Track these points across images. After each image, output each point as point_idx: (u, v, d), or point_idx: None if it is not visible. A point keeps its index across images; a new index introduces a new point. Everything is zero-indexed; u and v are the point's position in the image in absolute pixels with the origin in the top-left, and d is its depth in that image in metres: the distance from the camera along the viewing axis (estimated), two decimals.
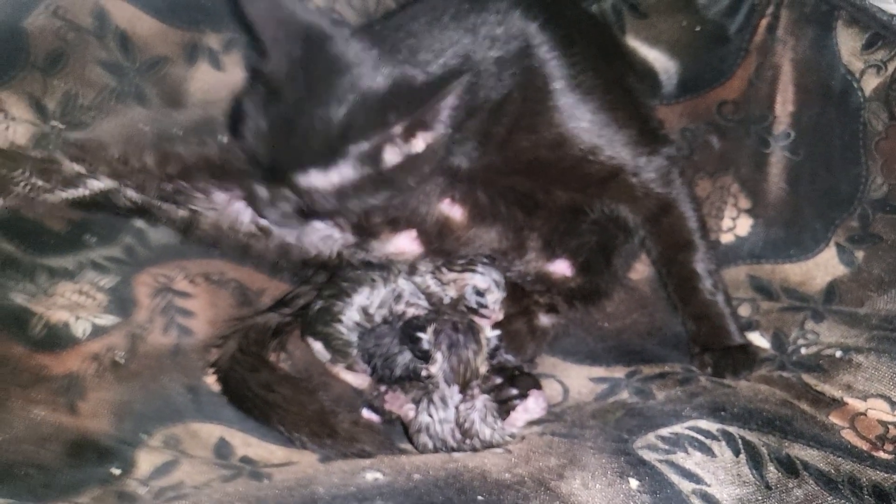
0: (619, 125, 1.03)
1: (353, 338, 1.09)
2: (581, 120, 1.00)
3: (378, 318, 1.09)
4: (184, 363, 1.07)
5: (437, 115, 0.87)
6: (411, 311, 1.09)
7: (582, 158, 1.02)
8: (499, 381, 1.05)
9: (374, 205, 0.94)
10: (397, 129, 0.87)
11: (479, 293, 1.07)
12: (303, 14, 0.91)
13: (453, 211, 1.12)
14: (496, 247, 1.15)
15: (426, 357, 0.98)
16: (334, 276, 1.13)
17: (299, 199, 0.91)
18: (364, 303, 1.10)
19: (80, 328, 1.04)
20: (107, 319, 1.06)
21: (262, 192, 0.93)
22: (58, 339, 1.01)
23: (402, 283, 1.10)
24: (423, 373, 0.98)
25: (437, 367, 0.97)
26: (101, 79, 1.11)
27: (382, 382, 1.05)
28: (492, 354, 1.03)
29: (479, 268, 1.07)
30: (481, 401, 0.98)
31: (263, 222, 1.05)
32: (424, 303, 1.10)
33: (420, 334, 0.99)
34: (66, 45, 1.09)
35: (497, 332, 1.04)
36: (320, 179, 0.88)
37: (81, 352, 1.02)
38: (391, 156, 0.89)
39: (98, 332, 1.04)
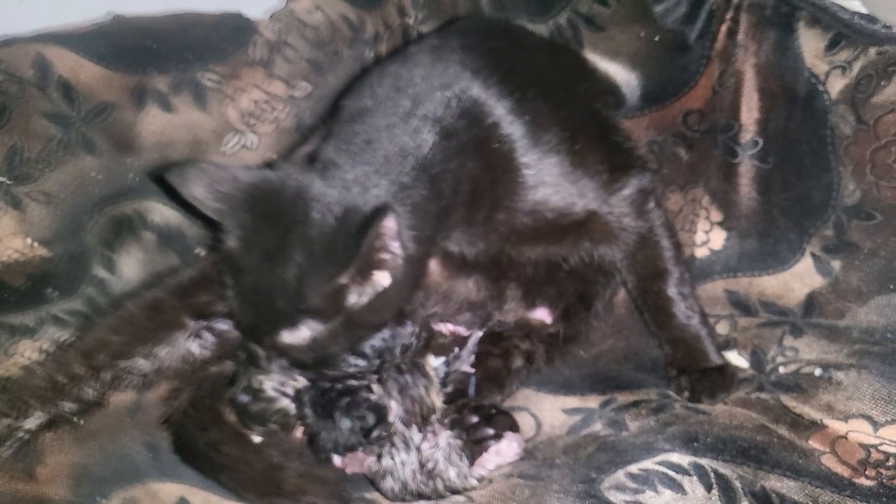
0: (590, 175, 0.99)
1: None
2: (551, 185, 0.98)
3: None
4: (144, 419, 1.04)
5: (378, 251, 0.84)
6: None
7: (557, 217, 1.00)
8: (475, 419, 1.02)
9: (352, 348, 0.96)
10: (345, 277, 0.84)
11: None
12: (243, 177, 0.89)
13: (429, 263, 1.09)
14: (474, 298, 1.13)
15: (381, 411, 0.95)
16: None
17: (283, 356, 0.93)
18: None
19: None
20: None
21: (259, 351, 0.96)
22: None
23: None
24: (377, 430, 0.95)
25: (394, 414, 0.94)
26: (47, 130, 1.09)
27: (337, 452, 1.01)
28: (444, 383, 1.01)
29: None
30: (444, 438, 0.95)
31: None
32: None
33: (368, 395, 0.96)
34: (8, 98, 1.07)
35: (442, 358, 1.02)
36: (292, 337, 0.88)
37: None
38: (355, 297, 0.87)
39: None
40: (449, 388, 1.03)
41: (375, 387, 0.96)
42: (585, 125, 1.03)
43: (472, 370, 1.06)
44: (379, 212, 0.80)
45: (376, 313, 0.90)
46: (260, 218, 0.87)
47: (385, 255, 0.85)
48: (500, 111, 0.95)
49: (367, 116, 0.95)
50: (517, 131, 0.95)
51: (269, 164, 0.95)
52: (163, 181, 0.92)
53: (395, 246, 0.85)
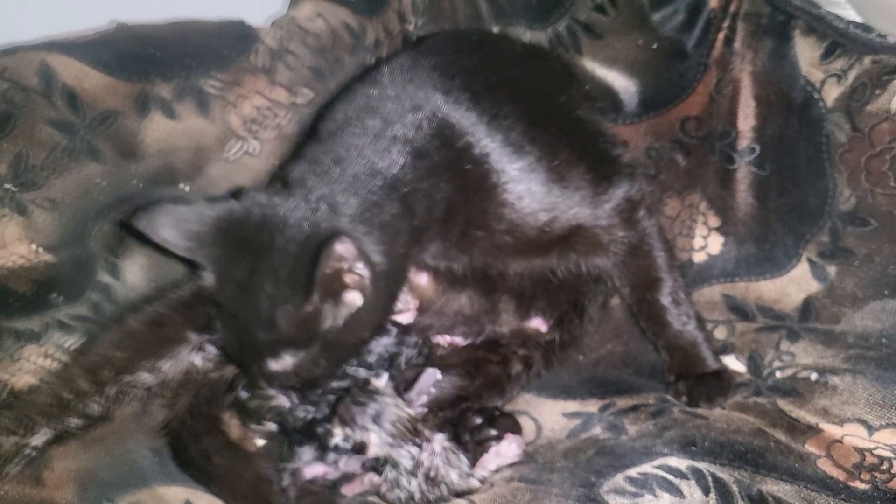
0: (572, 189, 0.98)
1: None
2: (529, 203, 0.96)
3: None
4: (150, 424, 1.06)
5: (340, 276, 0.84)
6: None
7: (539, 233, 0.99)
8: (478, 421, 1.04)
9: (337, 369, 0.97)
10: (310, 306, 0.84)
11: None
12: (209, 212, 0.90)
13: (420, 278, 1.10)
14: (468, 312, 1.14)
15: (361, 448, 0.96)
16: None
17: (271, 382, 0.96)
18: None
19: None
20: None
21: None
22: None
23: None
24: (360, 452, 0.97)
25: (377, 446, 0.96)
26: (52, 138, 1.10)
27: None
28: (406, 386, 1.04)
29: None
30: (438, 443, 0.96)
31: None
32: None
33: (331, 440, 0.98)
34: (13, 106, 1.08)
35: (385, 374, 1.03)
36: (277, 365, 0.89)
37: None
38: (330, 321, 0.87)
39: None
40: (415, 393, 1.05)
41: (338, 437, 0.97)
42: (566, 137, 1.01)
43: (426, 409, 1.06)
44: (329, 240, 0.80)
45: (354, 333, 0.91)
46: (230, 251, 0.88)
47: (350, 278, 0.85)
48: (472, 132, 0.94)
49: (337, 136, 0.95)
50: (490, 152, 0.95)
51: (235, 192, 0.95)
52: (131, 227, 0.93)
53: (360, 266, 0.84)
